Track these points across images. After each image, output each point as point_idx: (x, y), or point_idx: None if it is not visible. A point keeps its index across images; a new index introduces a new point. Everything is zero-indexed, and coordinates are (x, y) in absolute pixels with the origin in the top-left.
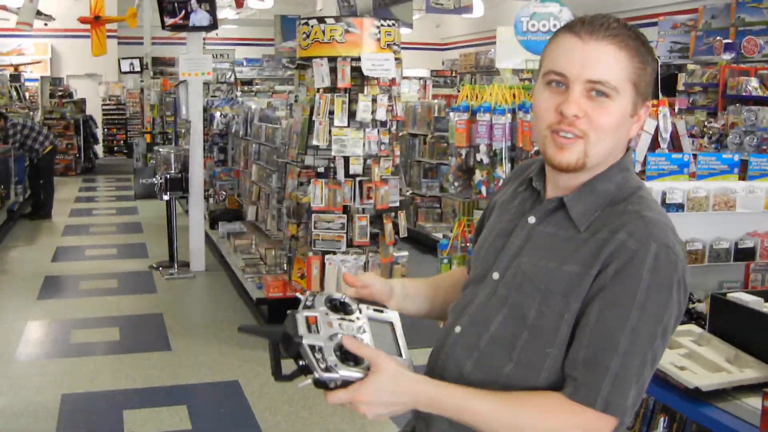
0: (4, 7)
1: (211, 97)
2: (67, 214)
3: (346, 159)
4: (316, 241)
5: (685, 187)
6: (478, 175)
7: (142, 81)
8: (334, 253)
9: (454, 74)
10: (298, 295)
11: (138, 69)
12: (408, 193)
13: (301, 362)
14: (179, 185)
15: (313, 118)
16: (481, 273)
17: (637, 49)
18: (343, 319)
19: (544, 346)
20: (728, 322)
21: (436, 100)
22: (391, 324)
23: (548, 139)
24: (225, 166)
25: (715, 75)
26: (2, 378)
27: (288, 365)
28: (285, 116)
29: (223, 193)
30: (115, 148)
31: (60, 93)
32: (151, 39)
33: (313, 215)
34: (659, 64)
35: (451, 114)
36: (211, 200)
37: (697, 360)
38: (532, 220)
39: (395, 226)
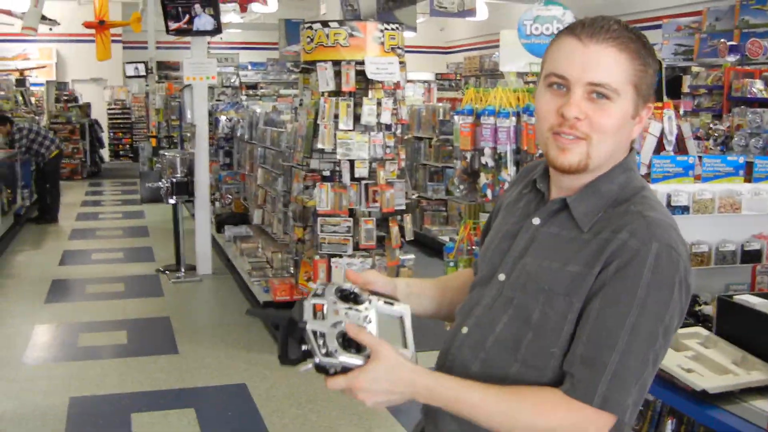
0: (9, 12)
1: (216, 101)
2: (73, 218)
3: (352, 162)
4: (323, 245)
5: (690, 190)
6: (483, 178)
7: (147, 85)
8: (341, 256)
9: (458, 77)
10: (310, 283)
11: (143, 73)
12: (414, 197)
13: (303, 347)
14: (185, 189)
15: (318, 121)
16: (487, 274)
17: (638, 51)
18: (350, 308)
19: (549, 347)
20: (735, 325)
21: (440, 104)
22: (401, 318)
23: (550, 141)
24: (231, 170)
25: (720, 77)
26: (10, 382)
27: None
28: (290, 120)
29: (229, 196)
30: (121, 152)
31: (65, 97)
32: (155, 43)
33: (319, 219)
34: (663, 66)
35: (456, 117)
36: (217, 204)
37: (704, 362)
38: (536, 221)
39: (401, 229)
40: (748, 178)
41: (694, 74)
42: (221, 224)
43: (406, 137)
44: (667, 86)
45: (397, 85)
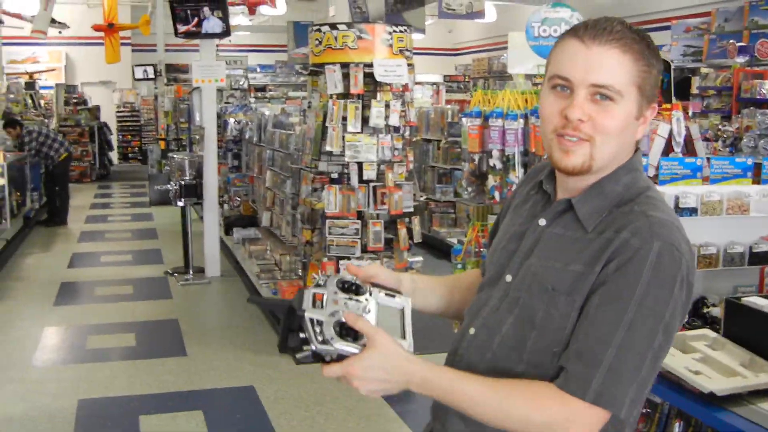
0: (18, 16)
1: (225, 103)
2: (82, 220)
3: (360, 165)
4: (331, 247)
5: (698, 192)
6: (491, 181)
7: (156, 88)
8: (349, 258)
9: (467, 79)
10: (314, 275)
11: (152, 76)
12: (422, 199)
13: (301, 334)
14: (194, 191)
15: (327, 124)
16: (494, 276)
17: (642, 52)
18: (350, 299)
19: (552, 346)
20: (743, 327)
21: (449, 106)
22: (402, 310)
23: (554, 142)
24: (239, 173)
25: (729, 78)
26: (19, 384)
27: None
28: (298, 122)
29: (238, 199)
30: (130, 155)
31: (74, 100)
32: (164, 46)
33: (328, 221)
34: (672, 67)
35: (464, 119)
36: (225, 206)
37: (712, 364)
38: (542, 222)
39: (409, 231)
40: (757, 180)
41: (703, 75)
42: (230, 227)
43: (414, 139)
44: (675, 87)
45: (405, 87)
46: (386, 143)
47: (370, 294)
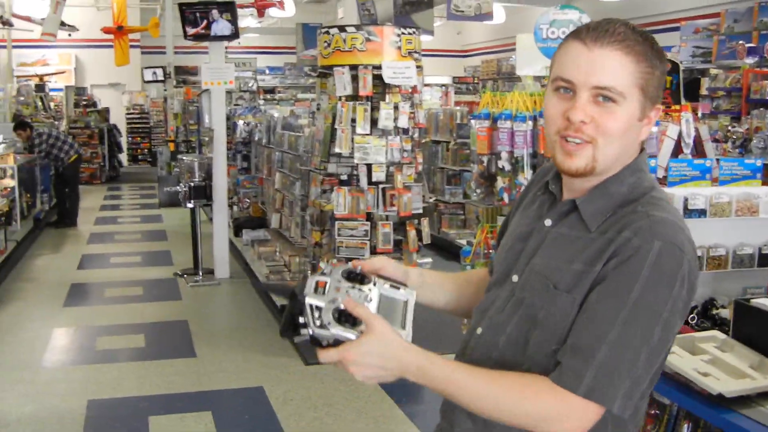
0: (28, 19)
1: (234, 105)
2: (92, 222)
3: (369, 166)
4: (340, 248)
5: (707, 193)
6: (500, 182)
7: (165, 90)
8: (358, 260)
9: (476, 81)
10: (321, 263)
11: (161, 78)
12: (431, 200)
13: (301, 319)
14: (203, 193)
15: (336, 125)
16: (502, 276)
17: (644, 54)
18: (353, 287)
19: (552, 344)
20: (752, 328)
21: (458, 107)
22: (405, 302)
23: (557, 144)
24: (248, 174)
25: (738, 79)
26: (29, 384)
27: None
28: (307, 124)
29: (247, 200)
30: (140, 157)
31: (84, 102)
32: (173, 48)
33: (337, 222)
34: (681, 69)
35: (473, 121)
36: (235, 208)
37: (721, 366)
38: (548, 222)
39: (419, 232)
40: (766, 181)
41: (712, 76)
42: (239, 228)
43: (423, 141)
44: (685, 89)
45: (414, 89)
46: (395, 145)
47: (374, 284)
